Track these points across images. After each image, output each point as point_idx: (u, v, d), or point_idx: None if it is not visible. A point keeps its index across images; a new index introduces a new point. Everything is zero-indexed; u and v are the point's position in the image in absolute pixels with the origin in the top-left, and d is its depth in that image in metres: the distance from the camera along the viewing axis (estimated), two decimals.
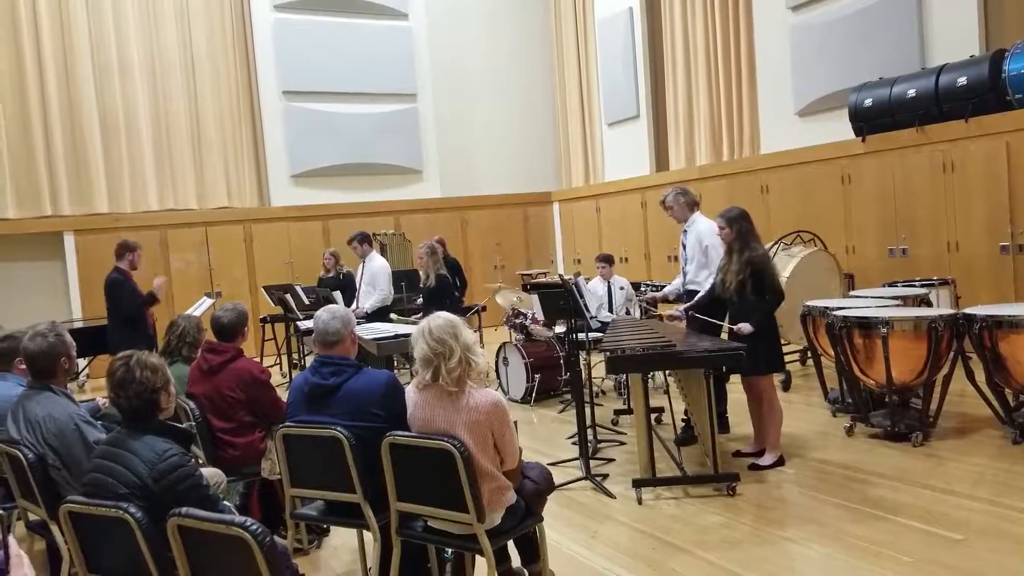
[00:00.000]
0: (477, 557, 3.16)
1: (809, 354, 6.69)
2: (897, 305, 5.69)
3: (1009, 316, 4.83)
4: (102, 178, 10.96)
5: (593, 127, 13.17)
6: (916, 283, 6.82)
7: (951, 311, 5.27)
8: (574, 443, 5.33)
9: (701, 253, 5.45)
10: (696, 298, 5.37)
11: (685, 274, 5.65)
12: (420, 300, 8.23)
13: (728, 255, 4.84)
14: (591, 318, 5.32)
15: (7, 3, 10.38)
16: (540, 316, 7.13)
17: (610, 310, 7.26)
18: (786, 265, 7.11)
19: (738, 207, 4.87)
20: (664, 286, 6.86)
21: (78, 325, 9.31)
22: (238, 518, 2.22)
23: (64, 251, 10.58)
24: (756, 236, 4.78)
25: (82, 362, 9.74)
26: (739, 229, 4.72)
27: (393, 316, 7.36)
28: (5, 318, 8.98)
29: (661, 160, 12.00)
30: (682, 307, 5.42)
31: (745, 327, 4.65)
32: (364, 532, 3.44)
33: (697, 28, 10.95)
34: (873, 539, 3.65)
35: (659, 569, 3.56)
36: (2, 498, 3.76)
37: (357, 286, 8.26)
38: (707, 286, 5.33)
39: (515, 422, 3.07)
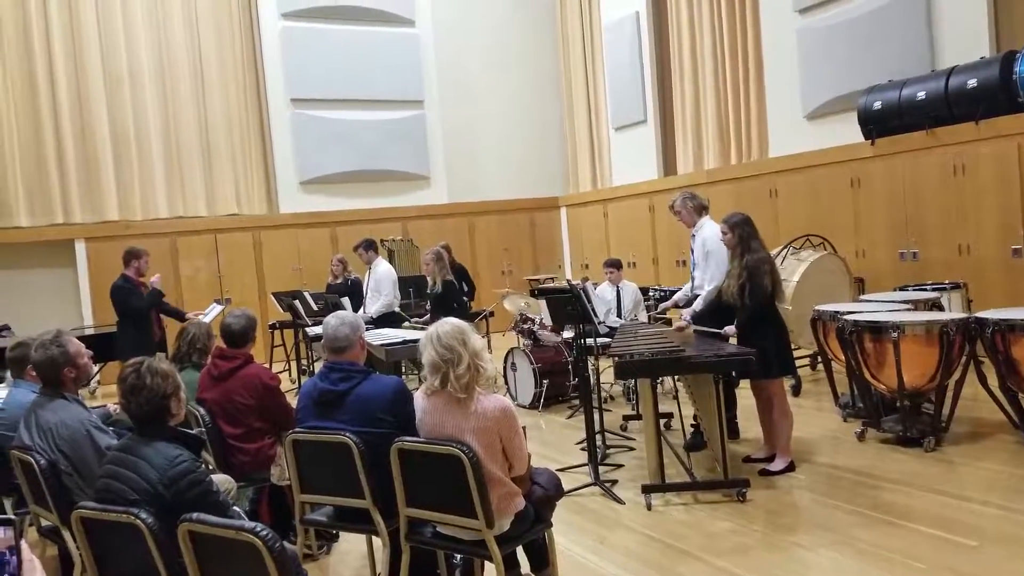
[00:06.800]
0: (486, 563, 3.15)
1: (819, 359, 6.66)
2: (908, 309, 5.66)
3: (1022, 320, 4.79)
4: (112, 186, 11.03)
5: (600, 132, 13.16)
6: (927, 287, 6.78)
7: (963, 315, 5.24)
8: (583, 449, 5.31)
9: (703, 258, 5.44)
10: (693, 305, 5.39)
11: (694, 279, 5.64)
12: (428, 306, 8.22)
13: (731, 260, 4.86)
14: (599, 323, 5.31)
15: (19, 12, 10.48)
16: (548, 321, 7.14)
17: (619, 315, 7.25)
18: (795, 269, 7.08)
19: (741, 212, 4.89)
20: (672, 291, 6.85)
21: (89, 332, 9.36)
22: (248, 524, 2.22)
23: (75, 258, 10.66)
24: (759, 241, 4.78)
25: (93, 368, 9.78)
26: (741, 234, 4.74)
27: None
28: (18, 325, 9.06)
29: (669, 164, 11.98)
30: (687, 313, 5.41)
31: (729, 329, 4.84)
32: (373, 538, 3.45)
33: (704, 31, 10.94)
34: (885, 545, 3.62)
35: (669, 575, 3.55)
36: (15, 504, 3.78)
37: (364, 292, 8.29)
38: (706, 292, 5.36)
39: (524, 428, 3.07)
